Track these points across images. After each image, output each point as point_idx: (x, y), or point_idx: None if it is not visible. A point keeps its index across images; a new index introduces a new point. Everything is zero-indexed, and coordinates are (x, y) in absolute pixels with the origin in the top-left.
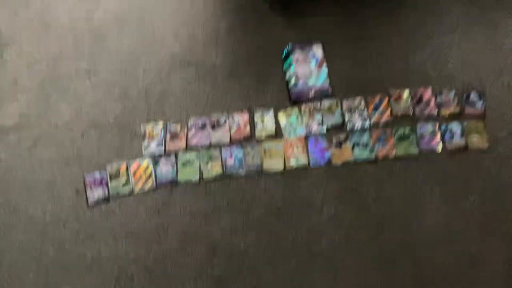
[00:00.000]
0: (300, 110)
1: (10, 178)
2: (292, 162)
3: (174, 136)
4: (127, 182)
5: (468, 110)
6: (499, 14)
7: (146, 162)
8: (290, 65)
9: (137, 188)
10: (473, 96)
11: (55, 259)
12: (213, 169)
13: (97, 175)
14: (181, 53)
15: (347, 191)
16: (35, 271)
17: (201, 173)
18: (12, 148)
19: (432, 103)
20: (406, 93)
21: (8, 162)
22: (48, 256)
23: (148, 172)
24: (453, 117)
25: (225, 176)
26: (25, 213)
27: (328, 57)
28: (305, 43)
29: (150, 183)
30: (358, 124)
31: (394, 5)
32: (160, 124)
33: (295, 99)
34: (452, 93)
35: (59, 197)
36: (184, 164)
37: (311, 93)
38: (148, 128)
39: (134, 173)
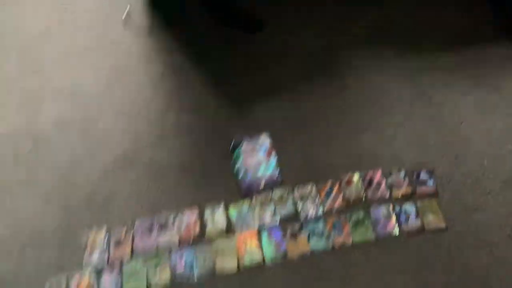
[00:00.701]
0: (251, 202)
1: None
2: (246, 260)
3: (119, 242)
4: None
5: (420, 189)
6: (440, 93)
7: (87, 275)
8: (238, 157)
9: None
10: (423, 174)
11: None
12: (162, 277)
13: None
14: (126, 153)
15: (307, 287)
16: None
17: (148, 283)
18: None
19: (383, 185)
20: (356, 177)
21: None
22: None
23: (90, 287)
24: (406, 197)
25: (175, 284)
26: None
27: (276, 146)
28: (252, 134)
29: None
30: (311, 212)
31: (337, 90)
32: (103, 231)
33: (246, 192)
34: (402, 173)
35: None
36: (129, 275)
37: (262, 184)
38: (91, 236)
39: None
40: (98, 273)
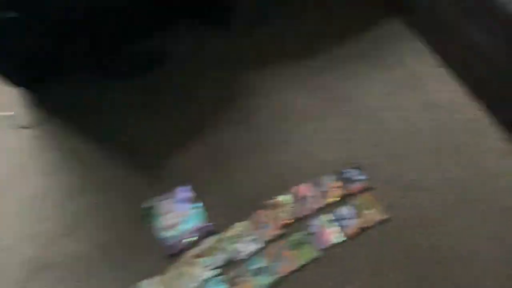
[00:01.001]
0: (182, 263)
1: None
2: None
3: None
4: None
5: (352, 187)
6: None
7: None
8: (154, 219)
9: None
10: (352, 172)
11: None
12: None
13: None
14: (36, 258)
15: None
16: None
17: None
18: None
19: (315, 195)
20: (285, 198)
21: None
22: None
23: None
24: (340, 201)
25: None
26: None
27: (197, 194)
28: (167, 192)
29: None
30: (250, 250)
31: (245, 118)
32: None
33: (172, 252)
34: (330, 178)
35: None
36: None
37: (191, 238)
38: None
39: None
40: None
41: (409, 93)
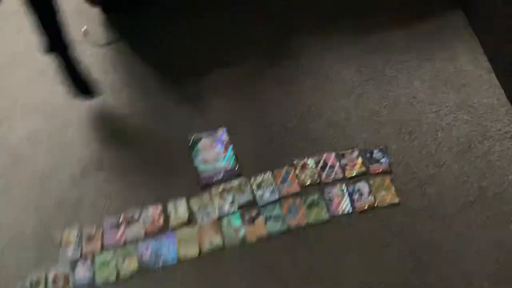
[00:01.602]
0: (211, 193)
1: None
2: (207, 245)
3: (90, 238)
4: None
5: (373, 167)
6: (392, 70)
7: (63, 269)
8: (197, 152)
9: None
10: (376, 153)
11: None
12: (130, 266)
13: (18, 287)
14: (93, 158)
15: (264, 267)
16: None
17: (117, 271)
18: None
19: (337, 166)
20: (310, 162)
21: None
22: None
23: (66, 278)
24: (359, 177)
25: (142, 271)
26: None
27: (233, 138)
28: (210, 130)
29: None
30: (268, 199)
31: (290, 78)
32: (75, 230)
33: (205, 184)
34: (355, 154)
35: None
36: (100, 266)
37: (220, 176)
38: (64, 235)
39: (53, 281)
40: (73, 265)
41: (451, 91)
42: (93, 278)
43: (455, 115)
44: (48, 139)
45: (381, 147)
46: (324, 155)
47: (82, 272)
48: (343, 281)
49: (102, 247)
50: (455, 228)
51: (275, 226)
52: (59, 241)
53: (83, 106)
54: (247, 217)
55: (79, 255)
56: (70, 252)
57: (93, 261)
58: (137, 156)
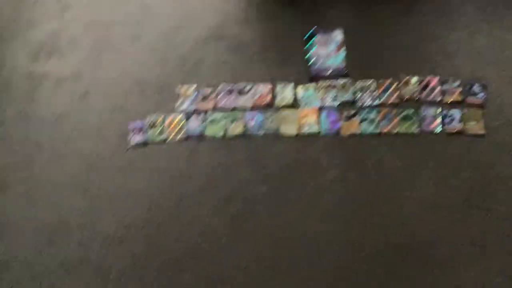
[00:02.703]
0: (317, 85)
1: (65, 119)
2: (305, 129)
3: (205, 98)
4: (162, 131)
5: (470, 99)
6: (509, 18)
7: (179, 117)
8: (312, 46)
9: (170, 137)
10: (476, 87)
11: (100, 187)
12: (236, 128)
13: (138, 123)
14: (216, 27)
15: (351, 158)
16: (81, 196)
17: (225, 130)
18: (67, 95)
19: (437, 90)
20: (414, 79)
21: (63, 106)
22: (93, 184)
23: (180, 125)
24: (455, 104)
25: (246, 136)
26: (75, 148)
27: (347, 42)
28: (327, 29)
29: (181, 134)
30: (367, 103)
31: (409, 2)
32: (194, 87)
33: (314, 76)
34: (457, 83)
35: (105, 138)
36: (211, 122)
37: (328, 72)
38: (183, 89)
39: (169, 125)
40: (188, 116)
41: None
42: (203, 131)
43: None
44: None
45: (482, 82)
46: (428, 77)
47: (195, 124)
48: (414, 188)
49: (215, 107)
50: None
51: (368, 128)
52: (177, 94)
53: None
54: (345, 114)
55: (194, 109)
56: (187, 104)
57: (205, 117)
58: (257, 36)
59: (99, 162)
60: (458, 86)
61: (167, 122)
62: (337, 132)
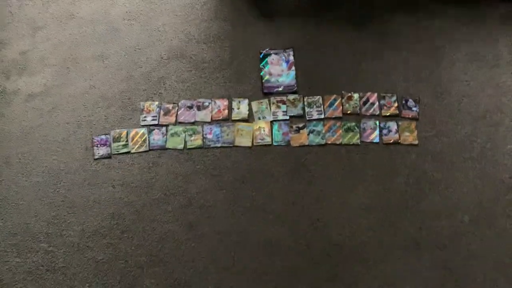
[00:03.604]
0: (269, 101)
1: (33, 134)
2: (259, 141)
3: (167, 112)
4: (126, 144)
5: (405, 112)
6: (444, 38)
7: (142, 131)
8: (265, 64)
9: (133, 150)
10: (410, 102)
11: (65, 199)
12: (195, 140)
13: (103, 137)
14: (177, 47)
15: (299, 166)
16: (48, 208)
17: (185, 142)
18: (36, 111)
19: (376, 105)
20: (356, 95)
21: (32, 122)
22: (59, 196)
23: (143, 138)
24: (391, 117)
25: (204, 147)
26: (43, 161)
27: (297, 61)
28: (280, 49)
29: (144, 147)
30: (315, 116)
31: (359, 22)
32: (156, 103)
33: (267, 92)
34: (393, 98)
35: (71, 152)
36: (172, 135)
37: (280, 89)
38: (146, 104)
39: (132, 138)
40: (150, 130)
41: (484, 67)
42: (165, 143)
43: (482, 88)
44: (142, 21)
45: (416, 98)
46: (368, 93)
47: (157, 137)
48: (355, 192)
49: (176, 121)
50: (455, 173)
51: (315, 139)
52: (141, 108)
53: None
54: (294, 126)
55: (156, 123)
56: (150, 119)
57: (167, 130)
58: (216, 55)
59: (65, 174)
60: (395, 101)
61: (130, 135)
62: (288, 143)
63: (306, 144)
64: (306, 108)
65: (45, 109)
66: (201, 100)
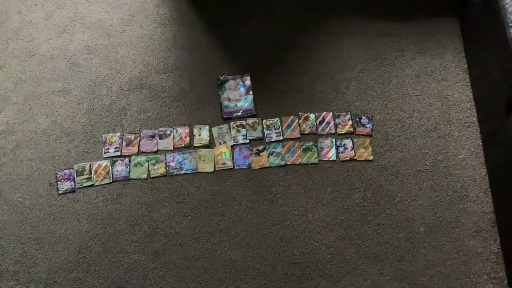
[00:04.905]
0: (229, 126)
1: None
2: (221, 165)
3: (129, 143)
4: (90, 177)
5: (359, 130)
6: (392, 56)
7: (105, 163)
8: (224, 90)
9: (97, 182)
10: (364, 119)
11: (31, 235)
12: (158, 169)
13: (66, 171)
14: (137, 78)
15: (261, 188)
16: (14, 245)
17: (148, 172)
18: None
19: (332, 123)
20: (312, 116)
21: None
22: (25, 233)
23: (106, 170)
24: (347, 135)
25: (168, 175)
26: (8, 199)
27: (254, 86)
28: (237, 75)
29: (107, 179)
30: (274, 138)
31: (311, 46)
32: (118, 134)
33: (226, 117)
34: (348, 116)
35: (35, 188)
36: (135, 165)
37: (239, 113)
38: (108, 136)
39: (96, 171)
40: (113, 162)
41: (433, 82)
42: (128, 174)
43: (431, 102)
44: (102, 54)
45: (368, 115)
46: (324, 113)
47: (120, 168)
48: (316, 210)
49: (138, 152)
50: (409, 186)
51: (275, 160)
52: (104, 140)
53: (135, 31)
54: (254, 149)
55: (119, 154)
56: (112, 150)
57: (130, 161)
58: (175, 84)
59: (31, 211)
60: (349, 119)
61: (93, 168)
62: (249, 166)
63: (267, 166)
64: (265, 130)
65: (8, 147)
66: (163, 129)
